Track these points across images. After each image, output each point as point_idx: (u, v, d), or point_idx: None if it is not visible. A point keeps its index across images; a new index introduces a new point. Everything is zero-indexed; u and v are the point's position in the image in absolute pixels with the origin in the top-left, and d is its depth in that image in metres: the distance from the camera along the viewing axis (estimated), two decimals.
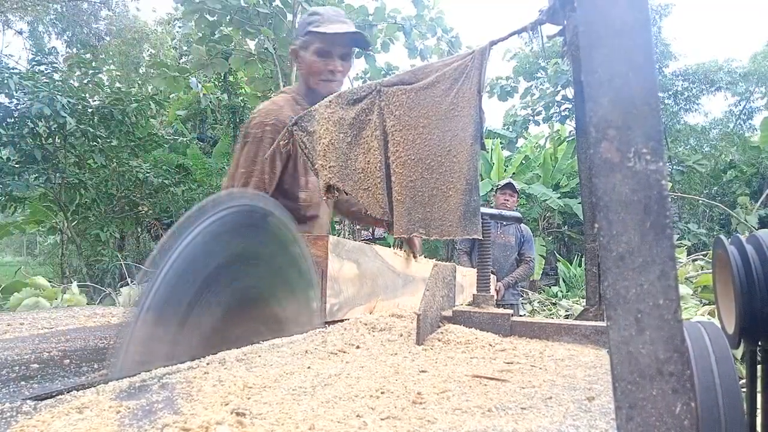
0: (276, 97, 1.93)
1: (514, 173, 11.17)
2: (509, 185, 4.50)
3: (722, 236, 0.67)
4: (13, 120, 6.64)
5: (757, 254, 0.62)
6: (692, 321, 0.60)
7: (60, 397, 0.65)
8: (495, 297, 1.44)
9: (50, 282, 4.52)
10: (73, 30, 14.14)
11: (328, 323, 1.34)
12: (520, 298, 5.41)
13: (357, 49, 1.95)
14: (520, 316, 1.57)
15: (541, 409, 0.68)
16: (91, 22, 14.39)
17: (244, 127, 1.85)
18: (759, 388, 0.66)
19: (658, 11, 14.48)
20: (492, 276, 1.58)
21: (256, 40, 7.14)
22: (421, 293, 2.09)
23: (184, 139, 9.76)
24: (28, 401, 0.62)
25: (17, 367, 0.87)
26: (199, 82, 10.04)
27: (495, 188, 4.73)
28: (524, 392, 0.77)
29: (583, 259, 8.95)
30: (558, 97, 12.70)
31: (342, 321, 1.39)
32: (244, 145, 1.78)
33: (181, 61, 12.54)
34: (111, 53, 13.72)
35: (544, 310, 7.16)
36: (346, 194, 1.39)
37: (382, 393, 0.72)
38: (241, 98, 10.90)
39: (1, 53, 7.11)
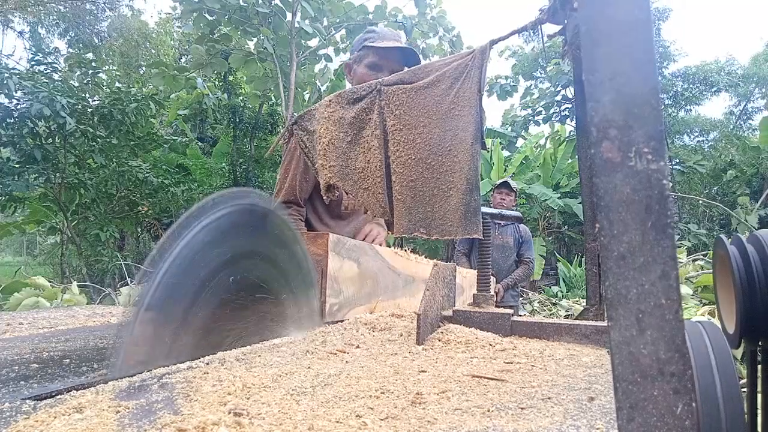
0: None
1: (514, 173, 11.17)
2: (505, 184, 4.43)
3: (723, 236, 0.67)
4: (12, 120, 6.63)
5: (757, 254, 0.62)
6: (692, 321, 0.60)
7: (59, 396, 0.65)
8: (494, 299, 1.43)
9: (50, 282, 4.52)
10: (76, 30, 14.14)
11: (328, 324, 1.31)
12: (520, 299, 5.34)
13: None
14: (520, 315, 1.56)
15: (541, 409, 0.68)
16: (93, 23, 14.40)
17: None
18: (759, 388, 0.66)
19: (656, 15, 14.49)
20: (491, 278, 1.57)
21: (255, 39, 7.14)
22: (421, 294, 2.07)
23: (185, 139, 9.76)
24: (27, 401, 0.62)
25: (17, 367, 0.87)
26: (205, 83, 10.06)
27: (493, 188, 4.70)
28: (524, 392, 0.76)
29: (583, 259, 8.95)
30: (558, 97, 12.71)
31: (342, 321, 1.36)
32: (284, 157, 1.99)
33: (181, 60, 12.54)
34: (112, 53, 13.72)
35: (544, 310, 7.17)
36: (347, 193, 1.39)
37: (381, 393, 0.72)
38: (241, 98, 10.91)
39: (1, 53, 7.07)
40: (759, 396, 0.65)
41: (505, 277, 4.25)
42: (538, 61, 13.45)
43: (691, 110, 15.99)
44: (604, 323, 1.22)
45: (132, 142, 7.93)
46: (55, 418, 0.56)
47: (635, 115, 0.38)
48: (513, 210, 4.62)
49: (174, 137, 9.47)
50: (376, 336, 1.22)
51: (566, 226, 12.53)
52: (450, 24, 7.60)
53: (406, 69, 1.99)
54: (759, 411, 0.64)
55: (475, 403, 0.69)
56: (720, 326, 0.62)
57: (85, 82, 8.07)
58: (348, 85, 1.83)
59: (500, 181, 4.58)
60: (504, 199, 4.35)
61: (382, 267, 1.76)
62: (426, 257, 2.44)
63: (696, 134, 17.44)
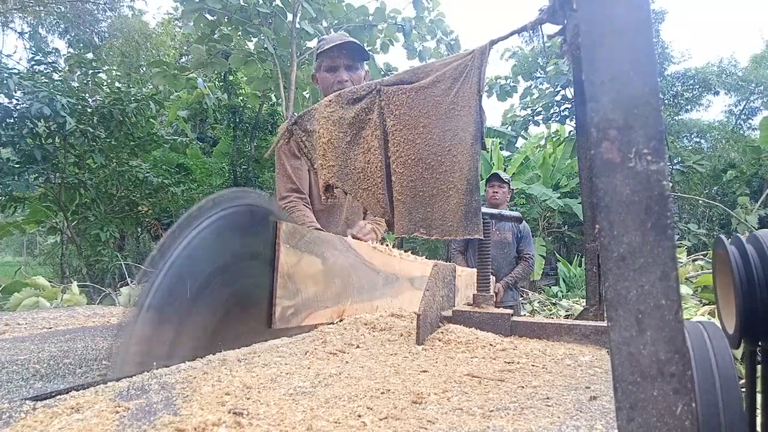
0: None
1: (514, 173, 11.18)
2: (495, 176, 4.22)
3: (722, 236, 0.67)
4: (12, 120, 6.63)
5: (757, 254, 0.62)
6: (692, 321, 0.60)
7: (59, 397, 0.65)
8: (494, 299, 1.42)
9: (50, 282, 4.51)
10: (76, 30, 14.15)
11: (281, 330, 1.15)
12: (520, 298, 5.11)
13: (366, 61, 2.19)
14: (521, 316, 1.52)
15: (541, 409, 0.68)
16: (93, 23, 14.41)
17: None
18: (759, 388, 0.66)
19: (653, 17, 14.48)
20: (491, 277, 1.52)
21: (256, 39, 7.14)
22: (406, 294, 1.99)
23: (185, 139, 9.76)
24: (27, 401, 0.62)
25: (16, 367, 0.87)
26: (205, 83, 10.05)
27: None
28: (524, 392, 0.76)
29: (583, 260, 8.94)
30: (557, 98, 12.70)
31: (300, 327, 1.21)
32: (276, 160, 2.10)
33: (182, 60, 12.55)
34: (113, 53, 13.72)
35: (544, 310, 7.16)
36: (346, 193, 1.39)
37: (381, 393, 0.72)
38: (241, 98, 10.91)
39: (1, 53, 7.07)
40: (759, 396, 0.64)
41: (505, 275, 4.10)
42: (538, 61, 13.44)
43: (692, 110, 16.01)
44: (604, 323, 1.22)
45: (132, 142, 7.93)
46: (55, 418, 0.56)
47: (635, 116, 0.38)
48: (508, 203, 4.50)
49: (174, 137, 9.47)
50: (376, 336, 1.22)
51: (566, 226, 12.54)
52: (448, 28, 7.60)
53: (365, 65, 2.12)
54: (758, 411, 0.64)
55: (476, 403, 0.69)
56: (720, 326, 0.62)
57: (85, 82, 8.07)
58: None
59: (490, 174, 4.34)
60: (497, 192, 4.16)
61: (356, 263, 1.54)
62: (425, 257, 2.38)
63: (694, 136, 17.46)
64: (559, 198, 10.25)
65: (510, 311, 1.32)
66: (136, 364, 0.80)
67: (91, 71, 7.96)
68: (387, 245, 1.88)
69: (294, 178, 2.03)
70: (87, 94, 7.63)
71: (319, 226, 1.91)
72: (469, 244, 4.15)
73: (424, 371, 0.88)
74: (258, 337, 1.09)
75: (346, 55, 2.04)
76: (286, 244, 1.15)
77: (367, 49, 7.37)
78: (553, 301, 7.91)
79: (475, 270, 1.46)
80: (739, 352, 0.68)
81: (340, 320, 1.38)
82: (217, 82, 11.04)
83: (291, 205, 1.99)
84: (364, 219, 2.29)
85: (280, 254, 1.12)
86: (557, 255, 11.59)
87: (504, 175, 4.26)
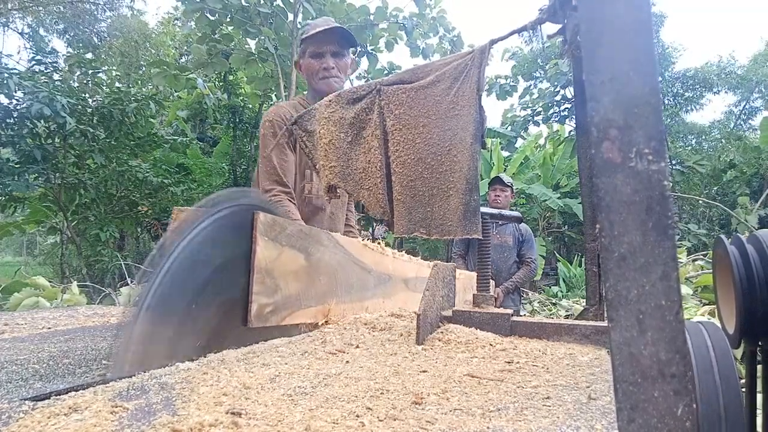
0: (280, 102, 2.02)
1: (514, 173, 11.18)
2: (497, 180, 4.12)
3: (723, 236, 0.67)
4: (12, 120, 6.64)
5: (757, 254, 0.62)
6: (692, 321, 0.60)
7: (58, 397, 0.65)
8: (494, 302, 1.41)
9: (50, 282, 4.51)
10: (75, 30, 14.18)
11: (266, 330, 1.09)
12: (520, 300, 4.95)
13: (352, 48, 2.10)
14: (520, 316, 1.50)
15: (541, 410, 0.67)
16: (93, 23, 14.44)
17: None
18: (759, 387, 0.65)
19: (653, 21, 14.48)
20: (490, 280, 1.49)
21: (257, 39, 7.14)
22: (400, 296, 1.95)
23: (185, 139, 9.76)
24: (26, 401, 0.62)
25: (16, 367, 0.87)
26: (205, 83, 10.05)
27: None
28: (524, 392, 0.76)
29: (583, 260, 8.93)
30: (557, 98, 12.70)
31: (280, 327, 1.14)
32: (260, 148, 1.98)
33: (182, 60, 12.55)
34: (113, 53, 13.73)
35: (544, 310, 7.17)
36: (348, 194, 1.39)
37: (381, 393, 0.72)
38: (241, 98, 10.91)
39: (1, 53, 7.09)
40: (759, 396, 0.64)
41: (505, 280, 3.96)
42: (538, 61, 13.44)
43: (691, 110, 16.03)
44: (604, 323, 1.22)
45: (132, 142, 7.94)
46: (53, 418, 0.56)
47: (635, 116, 0.38)
48: (511, 207, 4.43)
49: (174, 137, 9.47)
50: (376, 336, 1.22)
51: (566, 226, 12.55)
52: (450, 24, 7.60)
53: (352, 51, 2.02)
54: (759, 411, 0.64)
55: (476, 404, 0.69)
56: (720, 326, 0.62)
57: (85, 82, 8.08)
58: (296, 71, 1.92)
59: (492, 177, 4.23)
60: (499, 196, 4.05)
61: (345, 261, 1.47)
62: (425, 257, 2.36)
63: (693, 138, 17.49)
64: (559, 198, 10.25)
65: (510, 311, 1.32)
66: (136, 364, 0.80)
67: (90, 71, 7.97)
68: (379, 243, 1.79)
69: (279, 170, 1.88)
70: (87, 94, 7.64)
71: (303, 223, 1.85)
72: (469, 248, 4.04)
73: (424, 371, 0.88)
74: (258, 337, 1.08)
75: (333, 41, 1.93)
76: (265, 236, 1.06)
77: (369, 48, 7.35)
78: (553, 301, 7.91)
79: (474, 273, 1.46)
80: (739, 352, 0.68)
81: (326, 321, 1.33)
82: (217, 82, 11.04)
83: (275, 198, 1.83)
84: (347, 216, 2.23)
85: (258, 248, 1.04)
86: (557, 255, 11.59)
87: (506, 179, 4.16)
